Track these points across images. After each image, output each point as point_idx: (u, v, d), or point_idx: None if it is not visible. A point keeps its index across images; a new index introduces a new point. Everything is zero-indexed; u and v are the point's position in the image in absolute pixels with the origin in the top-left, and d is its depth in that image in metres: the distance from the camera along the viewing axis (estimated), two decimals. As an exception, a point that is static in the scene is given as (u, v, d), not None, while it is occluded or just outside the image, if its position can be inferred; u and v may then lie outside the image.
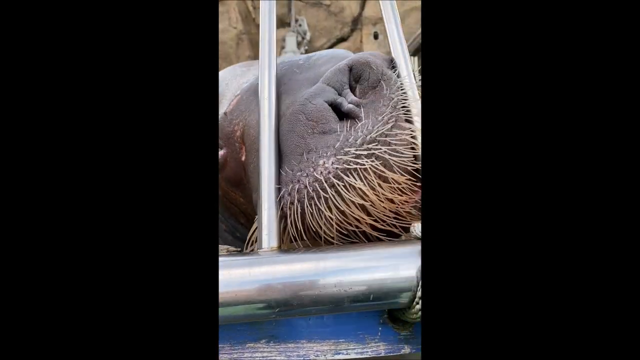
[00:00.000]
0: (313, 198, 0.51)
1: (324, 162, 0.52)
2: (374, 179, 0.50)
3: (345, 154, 0.50)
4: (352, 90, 0.58)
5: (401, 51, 0.60)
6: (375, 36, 5.72)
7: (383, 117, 0.52)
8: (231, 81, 0.78)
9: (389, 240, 0.51)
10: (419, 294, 0.41)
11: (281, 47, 6.38)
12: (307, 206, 0.51)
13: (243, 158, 0.66)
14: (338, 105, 0.55)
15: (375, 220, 0.51)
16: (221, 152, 0.69)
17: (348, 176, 0.50)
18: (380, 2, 0.68)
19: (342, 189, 0.50)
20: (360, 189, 0.50)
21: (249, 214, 0.75)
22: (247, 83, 0.71)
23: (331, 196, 0.50)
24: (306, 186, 0.51)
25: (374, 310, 0.47)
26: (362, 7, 6.18)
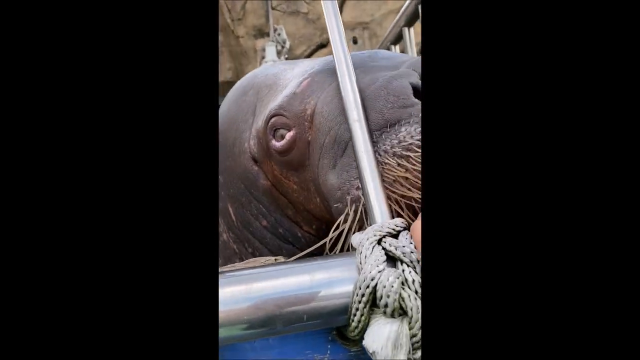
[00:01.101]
0: (402, 155, 0.55)
1: (407, 129, 0.56)
2: None
3: None
4: None
5: (341, 47, 0.65)
6: (354, 41, 5.83)
7: None
8: (281, 73, 0.81)
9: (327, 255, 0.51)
10: (356, 313, 0.40)
11: (262, 57, 6.43)
12: (398, 161, 0.55)
13: (310, 138, 0.68)
14: (419, 88, 0.59)
15: None
16: (290, 133, 0.69)
17: None
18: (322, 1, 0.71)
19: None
20: None
21: (298, 204, 0.74)
22: (314, 68, 0.74)
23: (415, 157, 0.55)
24: (392, 146, 0.56)
25: (315, 329, 0.44)
26: (340, 12, 6.28)
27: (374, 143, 0.58)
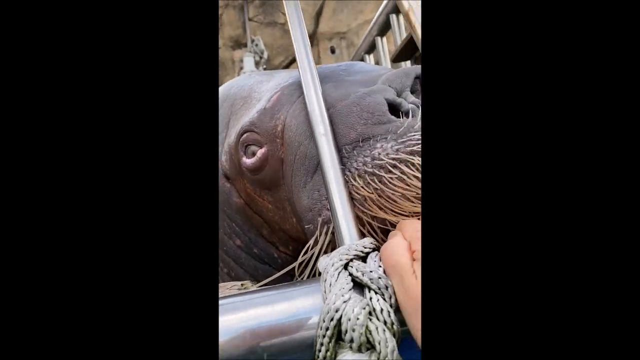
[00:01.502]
0: (374, 174, 0.51)
1: (382, 145, 0.52)
2: None
3: (409, 139, 0.50)
4: (414, 94, 0.60)
5: (305, 57, 0.62)
6: (332, 50, 5.86)
7: None
8: (256, 85, 0.77)
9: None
10: (321, 348, 0.36)
11: (240, 67, 6.39)
12: (369, 181, 0.51)
13: (282, 155, 0.64)
14: (397, 105, 0.55)
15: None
16: (262, 150, 0.66)
17: (412, 156, 0.50)
18: (285, 2, 0.69)
19: (404, 166, 0.51)
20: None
21: (273, 224, 0.71)
22: (288, 81, 0.70)
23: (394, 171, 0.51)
24: (365, 164, 0.51)
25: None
26: (317, 23, 6.32)
27: (344, 159, 0.54)
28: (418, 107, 0.56)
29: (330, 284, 0.39)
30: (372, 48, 1.54)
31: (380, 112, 0.54)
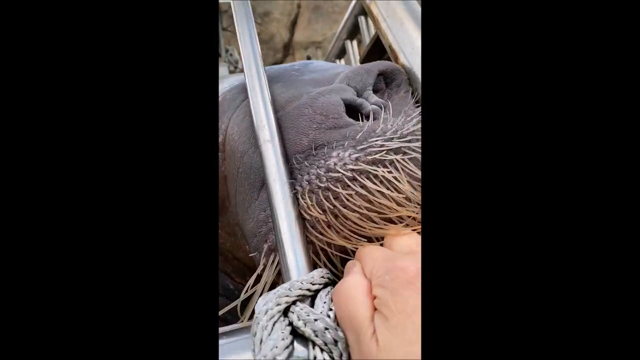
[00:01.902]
0: (329, 189, 0.42)
1: (339, 154, 0.43)
2: (402, 175, 0.42)
3: (370, 145, 0.43)
4: (376, 93, 0.52)
5: (252, 54, 0.53)
6: (308, 59, 5.82)
7: (412, 117, 0.46)
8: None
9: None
10: None
11: None
12: (323, 198, 0.42)
13: (225, 170, 0.55)
14: (357, 106, 0.47)
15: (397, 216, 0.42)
16: None
17: (373, 166, 0.42)
18: (232, 2, 0.61)
19: (365, 179, 0.42)
20: (388, 180, 0.41)
21: (226, 252, 0.62)
22: (232, 85, 0.61)
23: (352, 186, 0.42)
24: (318, 176, 0.43)
25: None
26: (292, 32, 6.30)
27: (295, 170, 0.45)
28: (382, 108, 0.47)
29: (262, 340, 0.29)
30: (342, 52, 1.47)
31: (335, 114, 0.45)
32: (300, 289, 0.34)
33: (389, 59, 0.64)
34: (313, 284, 0.34)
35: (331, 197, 0.42)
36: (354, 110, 0.47)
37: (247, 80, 0.52)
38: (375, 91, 0.52)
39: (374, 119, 0.46)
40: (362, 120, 0.47)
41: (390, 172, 0.42)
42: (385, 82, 0.54)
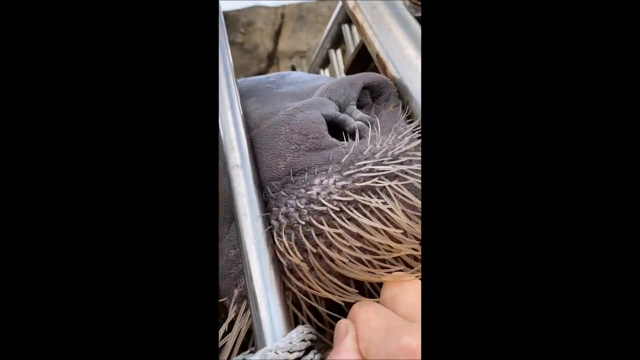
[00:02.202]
0: (311, 225, 0.35)
1: (322, 181, 0.36)
2: (397, 204, 0.35)
3: (358, 170, 0.36)
4: (361, 109, 0.46)
5: (223, 70, 0.46)
6: (293, 69, 5.79)
7: (404, 135, 0.39)
8: None
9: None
10: None
11: None
12: (303, 236, 0.35)
13: None
14: (340, 123, 0.41)
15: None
16: None
17: (363, 196, 0.35)
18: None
19: (353, 211, 0.35)
20: (381, 210, 0.35)
21: None
22: None
23: (338, 219, 0.35)
24: (297, 209, 0.36)
25: None
26: (276, 42, 6.28)
27: (270, 201, 0.38)
28: (368, 124, 0.41)
29: None
30: (326, 62, 1.42)
31: (316, 132, 0.38)
32: (276, 356, 0.27)
33: (375, 68, 0.58)
34: (291, 352, 0.27)
35: (313, 235, 0.35)
36: (336, 128, 0.41)
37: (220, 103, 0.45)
38: (360, 106, 0.46)
39: (360, 137, 0.39)
40: (347, 140, 0.40)
41: (384, 202, 0.35)
42: (372, 97, 0.48)
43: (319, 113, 0.40)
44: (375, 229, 0.34)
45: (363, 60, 1.04)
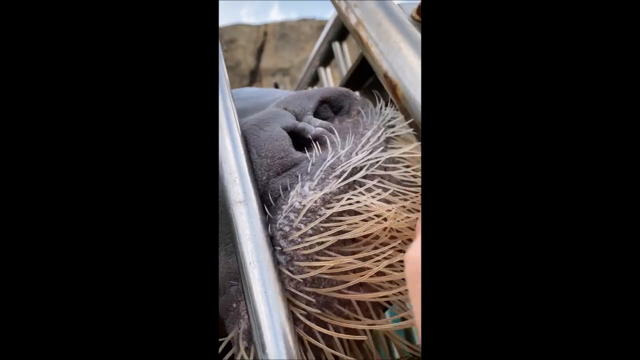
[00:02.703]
0: (291, 263, 0.32)
1: (298, 190, 0.33)
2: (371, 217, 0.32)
3: (327, 183, 0.33)
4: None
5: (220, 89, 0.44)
6: (276, 86, 5.80)
7: (369, 137, 0.37)
8: None
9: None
10: None
11: None
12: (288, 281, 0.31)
13: None
14: (300, 132, 0.37)
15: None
16: None
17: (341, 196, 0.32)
18: None
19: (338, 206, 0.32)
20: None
21: None
22: None
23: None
24: (290, 222, 0.33)
25: None
26: (259, 59, 6.30)
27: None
28: (332, 131, 0.37)
29: None
30: (315, 79, 1.39)
31: (281, 152, 0.35)
32: None
33: (373, 86, 0.55)
34: None
35: (293, 273, 0.30)
36: (303, 137, 0.37)
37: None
38: (323, 119, 0.43)
39: (322, 144, 0.36)
40: (309, 148, 0.36)
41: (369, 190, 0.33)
42: (333, 111, 0.45)
43: (278, 127, 0.36)
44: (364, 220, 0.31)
45: (360, 74, 1.01)
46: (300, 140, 0.37)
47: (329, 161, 0.35)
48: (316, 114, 0.42)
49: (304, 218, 0.32)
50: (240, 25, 6.56)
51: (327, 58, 1.27)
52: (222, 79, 0.41)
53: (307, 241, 0.31)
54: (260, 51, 6.44)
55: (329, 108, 0.44)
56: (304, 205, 0.32)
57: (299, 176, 0.34)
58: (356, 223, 0.31)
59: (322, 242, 0.31)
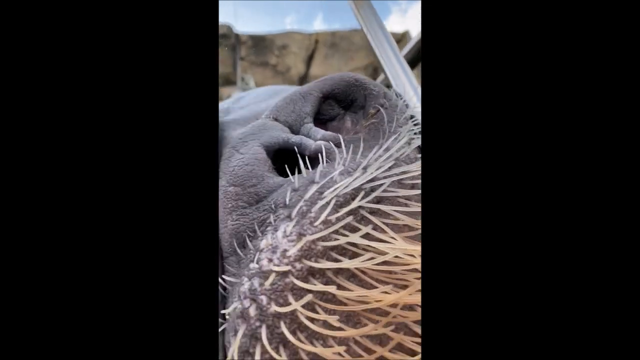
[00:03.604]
0: (262, 320, 0.24)
1: (269, 239, 0.26)
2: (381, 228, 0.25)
3: (304, 226, 0.25)
4: (332, 122, 0.36)
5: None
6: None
7: (388, 147, 0.29)
8: None
9: None
10: None
11: None
12: (264, 338, 0.24)
13: None
14: (296, 147, 0.30)
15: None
16: None
17: (330, 236, 0.24)
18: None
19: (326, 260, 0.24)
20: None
21: None
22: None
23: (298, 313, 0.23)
24: (252, 296, 0.25)
25: None
26: (308, 66, 6.45)
27: (228, 296, 0.28)
28: (339, 143, 0.30)
29: None
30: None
31: (253, 179, 0.28)
32: None
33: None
34: None
35: (289, 332, 0.23)
36: (291, 150, 0.31)
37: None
38: (330, 119, 0.35)
39: (327, 160, 0.29)
40: (309, 167, 0.29)
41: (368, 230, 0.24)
42: (342, 107, 0.36)
43: (256, 146, 0.30)
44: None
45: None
46: (301, 158, 0.30)
47: (316, 183, 0.26)
48: (320, 115, 0.35)
49: (270, 288, 0.24)
50: (292, 33, 6.74)
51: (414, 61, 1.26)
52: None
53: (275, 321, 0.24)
54: (310, 58, 6.58)
55: (335, 104, 0.36)
56: (271, 269, 0.24)
57: (275, 210, 0.27)
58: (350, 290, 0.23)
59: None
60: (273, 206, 0.27)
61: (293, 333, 0.23)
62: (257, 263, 0.25)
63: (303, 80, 6.34)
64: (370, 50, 0.45)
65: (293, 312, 0.23)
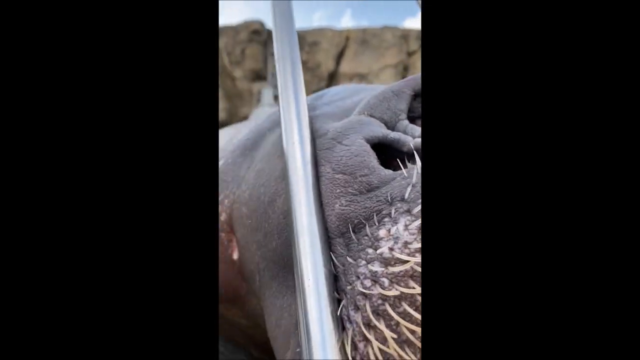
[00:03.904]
0: (385, 299, 0.26)
1: (390, 230, 0.27)
2: None
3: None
4: (414, 121, 0.36)
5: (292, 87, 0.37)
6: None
7: None
8: (223, 148, 0.52)
9: None
10: None
11: (257, 99, 6.38)
12: (375, 319, 0.27)
13: (235, 255, 0.42)
14: (392, 144, 0.32)
15: None
16: None
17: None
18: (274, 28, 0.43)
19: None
20: None
21: (259, 344, 0.50)
22: (235, 143, 0.48)
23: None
24: (374, 278, 0.27)
25: None
26: (338, 63, 6.44)
27: (340, 276, 0.29)
28: None
29: None
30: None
31: (364, 168, 0.29)
32: None
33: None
34: None
35: (387, 308, 0.26)
36: (389, 152, 0.31)
37: (282, 119, 0.36)
38: (414, 119, 0.36)
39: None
40: (404, 166, 0.30)
41: None
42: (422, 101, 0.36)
43: (358, 139, 0.31)
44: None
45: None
46: (395, 155, 0.31)
47: None
48: (410, 112, 0.35)
49: (392, 273, 0.26)
50: (324, 29, 6.51)
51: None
52: (297, 84, 0.37)
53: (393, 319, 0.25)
54: (340, 55, 6.37)
55: (421, 102, 0.36)
56: (396, 258, 0.25)
57: (391, 202, 0.28)
58: None
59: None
60: (389, 198, 0.28)
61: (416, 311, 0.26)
62: (377, 250, 0.27)
63: (332, 77, 6.31)
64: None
65: (413, 296, 0.26)
